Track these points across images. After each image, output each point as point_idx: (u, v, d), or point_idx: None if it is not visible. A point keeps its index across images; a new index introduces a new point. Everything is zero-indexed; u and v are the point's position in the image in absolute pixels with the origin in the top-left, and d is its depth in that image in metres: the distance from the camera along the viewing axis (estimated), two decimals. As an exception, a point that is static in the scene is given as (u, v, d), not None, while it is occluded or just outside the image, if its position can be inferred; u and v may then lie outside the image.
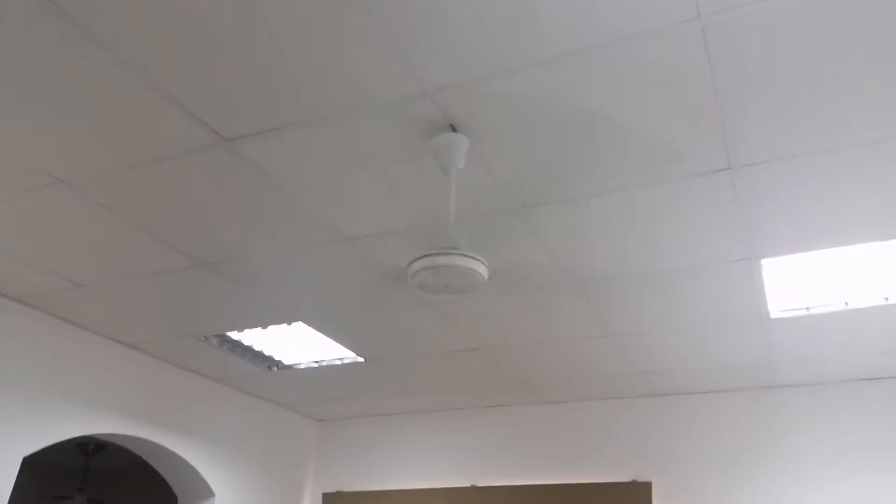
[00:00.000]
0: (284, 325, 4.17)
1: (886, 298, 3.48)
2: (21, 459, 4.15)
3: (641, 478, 4.80)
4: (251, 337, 4.39)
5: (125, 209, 2.96)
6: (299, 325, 4.16)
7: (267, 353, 4.62)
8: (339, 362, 4.70)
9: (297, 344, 4.46)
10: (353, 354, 4.53)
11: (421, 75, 2.15)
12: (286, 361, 4.73)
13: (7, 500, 3.75)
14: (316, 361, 4.72)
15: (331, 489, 5.82)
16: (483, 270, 2.15)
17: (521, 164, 2.55)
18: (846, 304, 3.56)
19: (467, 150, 2.35)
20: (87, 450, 6.23)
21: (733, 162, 2.51)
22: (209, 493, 4.99)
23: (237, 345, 4.50)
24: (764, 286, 3.38)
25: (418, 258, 2.13)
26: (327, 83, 2.21)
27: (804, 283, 3.40)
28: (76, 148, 2.59)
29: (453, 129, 2.34)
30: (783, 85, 2.16)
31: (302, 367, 4.79)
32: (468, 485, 5.31)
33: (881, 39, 1.99)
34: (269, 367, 4.83)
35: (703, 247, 3.05)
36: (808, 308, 3.62)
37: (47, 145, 2.58)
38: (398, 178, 2.66)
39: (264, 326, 4.20)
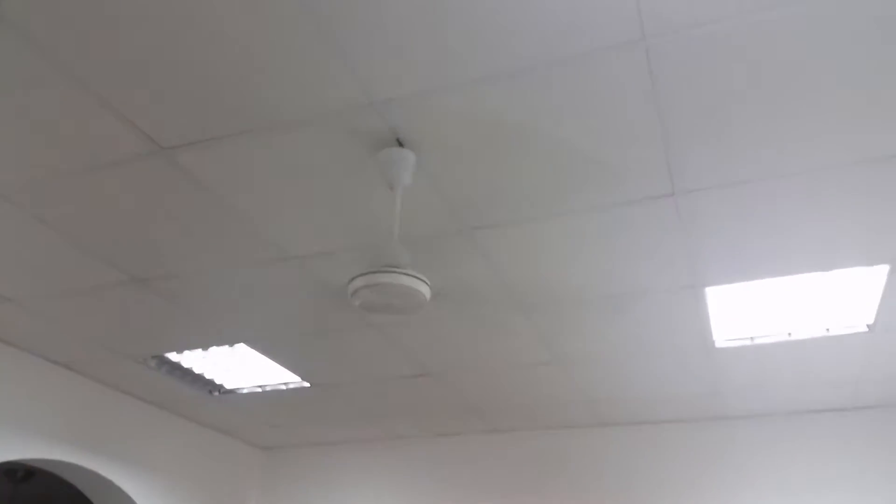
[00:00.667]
0: (226, 346, 4.04)
1: (828, 329, 3.52)
2: (-62, 485, 3.91)
3: (589, 509, 4.75)
4: (191, 359, 4.25)
5: (57, 220, 2.85)
6: (242, 348, 4.05)
7: (208, 377, 4.47)
8: (283, 387, 4.57)
9: (239, 367, 4.33)
10: (299, 379, 4.42)
11: (367, 86, 2.11)
12: (228, 385, 4.59)
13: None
14: (259, 386, 4.59)
15: (272, 520, 5.64)
16: (425, 290, 2.10)
17: (469, 183, 2.52)
18: (789, 334, 3.59)
19: (414, 165, 2.31)
20: (14, 477, 5.94)
21: (677, 188, 2.52)
22: (143, 523, 4.78)
23: (176, 367, 4.35)
24: (708, 314, 3.40)
25: (359, 275, 2.07)
26: (269, 92, 2.16)
27: (748, 312, 3.42)
28: (7, 155, 2.48)
29: (400, 143, 2.30)
30: (727, 111, 2.17)
31: (245, 391, 4.65)
32: (414, 516, 5.19)
33: (825, 68, 2.02)
34: (210, 392, 4.68)
35: (648, 272, 3.05)
36: (752, 338, 3.65)
37: (-26, 150, 2.47)
38: (344, 193, 2.60)
39: (205, 348, 4.07)
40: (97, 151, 2.45)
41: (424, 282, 2.09)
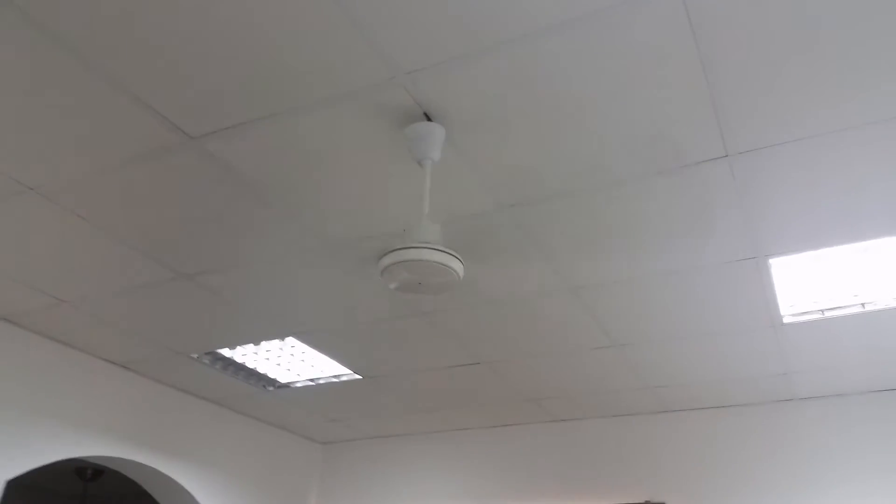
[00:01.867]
0: (276, 340, 4.02)
1: (906, 299, 3.27)
2: (5, 482, 4.01)
3: (655, 498, 4.57)
4: (243, 354, 4.25)
5: (98, 217, 2.85)
6: (292, 341, 4.02)
7: (261, 372, 4.47)
8: (336, 380, 4.54)
9: (291, 361, 4.32)
10: (350, 372, 4.37)
11: (388, 60, 2.02)
12: (282, 380, 4.58)
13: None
14: (312, 380, 4.57)
15: (334, 514, 5.63)
16: (458, 267, 1.99)
17: (504, 157, 2.40)
18: (863, 305, 3.35)
19: (443, 140, 2.21)
20: (84, 476, 6.10)
21: (730, 148, 2.35)
22: (206, 519, 4.82)
23: (229, 363, 4.36)
24: (774, 287, 3.19)
25: (388, 252, 1.98)
26: (291, 73, 2.08)
27: (817, 284, 3.20)
28: (43, 153, 2.48)
29: (427, 118, 2.20)
30: (775, 61, 2.00)
31: (298, 385, 4.64)
32: (475, 508, 5.10)
33: (890, 10, 1.83)
34: (265, 387, 4.68)
35: (706, 244, 2.87)
36: (822, 311, 3.42)
37: (12, 151, 2.47)
38: (375, 173, 2.52)
39: (255, 343, 4.06)
40: (128, 146, 2.42)
41: (457, 258, 1.98)
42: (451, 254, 1.97)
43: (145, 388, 4.55)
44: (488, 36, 1.94)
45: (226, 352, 4.21)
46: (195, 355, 4.23)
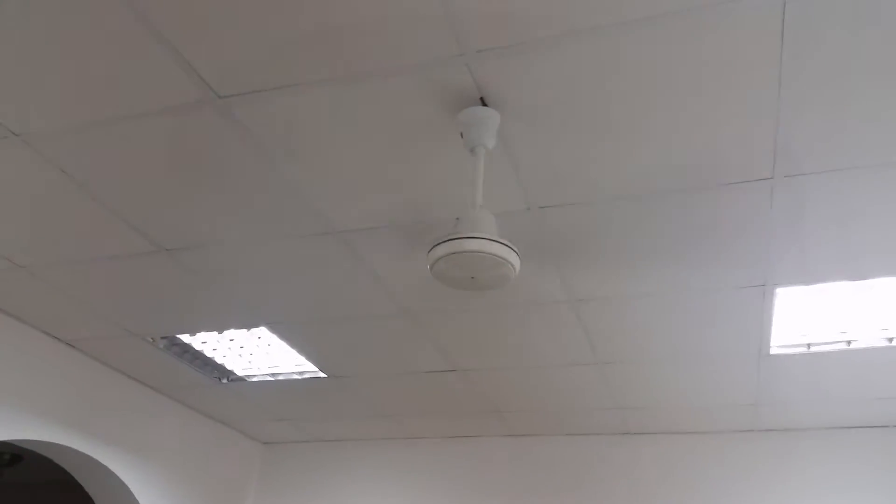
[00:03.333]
0: (244, 330, 3.78)
1: (891, 340, 3.33)
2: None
3: (610, 521, 4.52)
4: (203, 342, 3.99)
5: (83, 174, 2.58)
6: (260, 331, 3.79)
7: (218, 362, 4.20)
8: (297, 377, 4.31)
9: (253, 352, 4.07)
10: (316, 369, 4.16)
11: (462, 33, 1.88)
12: (238, 372, 4.32)
13: None
14: (272, 374, 4.33)
15: (271, 518, 5.36)
16: (516, 262, 1.87)
17: (549, 155, 2.29)
18: (848, 343, 3.39)
19: (498, 128, 2.08)
20: (1, 461, 5.61)
21: (777, 170, 2.31)
22: (138, 515, 4.49)
23: (187, 349, 4.08)
24: (772, 318, 3.19)
25: (441, 241, 1.83)
26: (355, 37, 1.92)
27: (811, 317, 3.22)
28: (39, 95, 2.22)
29: (483, 103, 2.07)
30: (856, 83, 1.96)
31: (255, 379, 4.39)
32: (423, 520, 4.94)
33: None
34: (220, 378, 4.41)
35: (724, 265, 2.83)
36: (808, 345, 3.45)
37: (4, 88, 2.20)
38: (411, 158, 2.36)
39: (220, 330, 3.81)
40: (143, 95, 2.19)
41: (515, 252, 1.85)
42: (510, 247, 1.84)
43: (89, 369, 4.20)
44: (570, 21, 1.83)
45: (185, 337, 3.93)
46: (151, 339, 3.93)
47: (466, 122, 2.04)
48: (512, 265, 1.85)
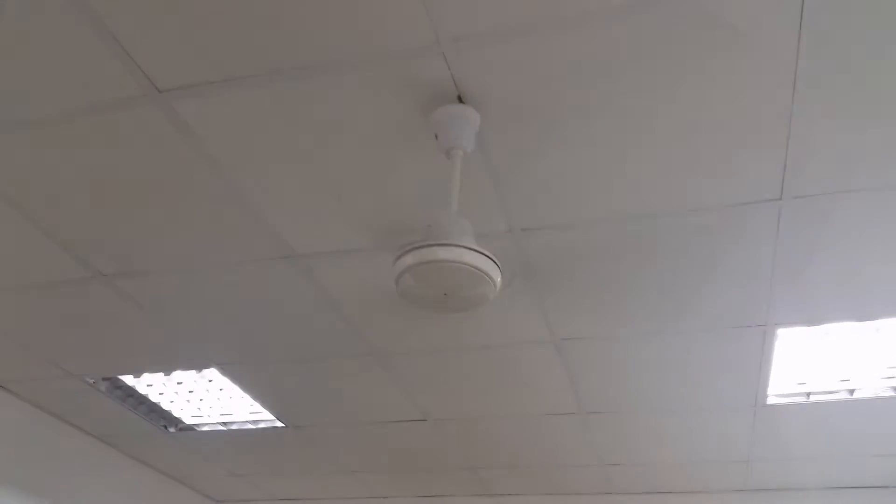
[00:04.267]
0: (193, 371, 3.44)
1: (896, 389, 3.08)
2: None
3: (592, 589, 4.15)
4: (148, 385, 3.62)
5: (5, 184, 2.28)
6: (211, 373, 3.44)
7: (165, 408, 3.82)
8: (252, 426, 3.94)
9: (203, 398, 3.71)
10: (273, 417, 3.80)
11: (437, 17, 1.64)
12: (187, 420, 3.94)
13: None
14: (224, 423, 3.95)
15: (221, 585, 4.88)
16: (497, 276, 1.59)
17: (538, 168, 2.04)
18: (851, 392, 3.13)
19: (478, 129, 1.83)
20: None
21: (787, 191, 2.07)
22: (69, 581, 4.02)
23: (130, 393, 3.70)
24: (771, 363, 2.92)
25: (409, 250, 1.56)
26: (316, 22, 1.67)
27: (812, 362, 2.97)
28: (-49, 84, 1.94)
29: (461, 100, 1.82)
30: (880, 87, 1.75)
31: (206, 428, 4.00)
32: (388, 588, 4.51)
33: None
34: (165, 427, 4.02)
35: (717, 304, 2.57)
36: (808, 394, 3.18)
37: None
38: (376, 166, 2.10)
39: (167, 372, 3.46)
40: (71, 89, 1.91)
41: (496, 265, 1.58)
42: (490, 258, 1.56)
43: (20, 412, 3.79)
44: (560, 6, 1.60)
45: (129, 379, 3.56)
46: (91, 380, 3.56)
47: (442, 121, 1.78)
48: (492, 280, 1.58)
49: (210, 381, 3.53)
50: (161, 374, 3.51)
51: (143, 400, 3.76)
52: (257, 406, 3.68)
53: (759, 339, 2.77)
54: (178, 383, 3.59)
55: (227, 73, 1.82)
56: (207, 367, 3.35)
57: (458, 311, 1.69)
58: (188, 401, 3.74)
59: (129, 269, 2.66)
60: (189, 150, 2.08)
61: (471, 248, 1.55)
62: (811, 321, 2.64)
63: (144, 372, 3.46)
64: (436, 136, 1.81)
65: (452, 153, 1.77)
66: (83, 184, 2.25)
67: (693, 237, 2.27)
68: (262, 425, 3.91)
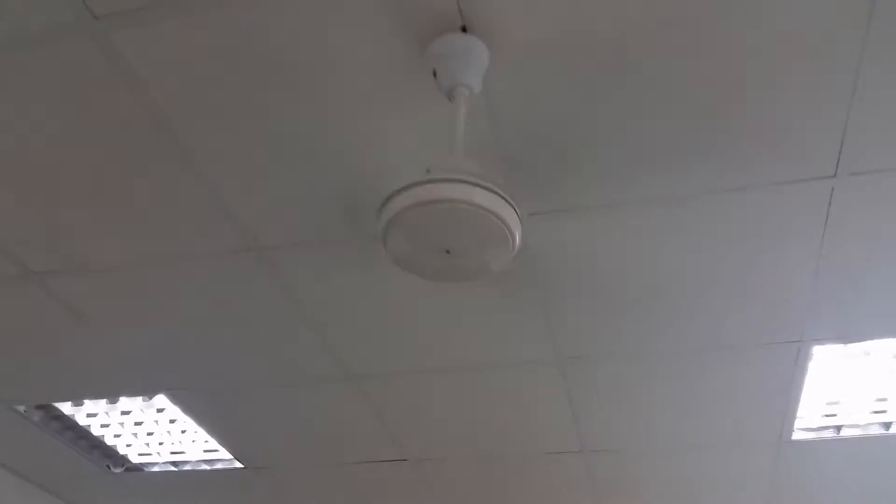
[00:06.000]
0: (140, 398, 3.00)
1: (937, 424, 2.74)
2: None
3: None
4: (89, 415, 3.17)
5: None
6: (161, 401, 3.00)
7: (109, 443, 3.35)
8: (207, 467, 3.47)
9: (153, 431, 3.25)
10: (230, 456, 3.34)
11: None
12: (134, 458, 3.46)
13: None
14: (175, 463, 3.48)
15: None
16: (515, 224, 1.23)
17: (549, 124, 1.70)
18: (887, 426, 2.78)
19: (486, 66, 1.50)
20: None
21: (844, 166, 1.76)
22: None
23: (69, 425, 3.23)
24: (803, 388, 2.57)
25: (400, 190, 1.20)
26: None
27: (845, 390, 2.62)
28: None
29: (464, 31, 1.49)
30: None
31: (155, 469, 3.52)
32: None
33: None
34: (109, 467, 3.53)
35: (749, 314, 2.23)
36: (838, 428, 2.83)
37: None
38: (358, 116, 1.75)
39: (111, 398, 3.01)
40: (-13, 14, 1.56)
41: (513, 208, 1.23)
42: (504, 197, 1.21)
43: (-62, 449, 3.30)
44: None
45: (67, 408, 3.11)
46: (23, 408, 3.09)
47: (442, 53, 1.45)
48: (509, 229, 1.22)
49: (160, 410, 3.08)
50: (104, 402, 3.06)
51: (83, 434, 3.29)
52: (212, 441, 3.23)
53: (792, 359, 2.42)
54: (124, 413, 3.14)
55: (179, -7, 1.48)
56: (156, 392, 2.92)
57: (463, 277, 1.33)
58: (135, 434, 3.28)
59: (60, 265, 2.26)
60: (128, 91, 1.71)
61: (484, 186, 1.20)
62: (849, 337, 2.31)
63: (85, 398, 3.01)
64: (434, 74, 1.48)
65: (455, 93, 1.43)
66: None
67: (728, 214, 1.94)
68: (217, 466, 3.45)
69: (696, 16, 1.45)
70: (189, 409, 3.01)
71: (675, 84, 1.58)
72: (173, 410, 3.05)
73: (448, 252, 1.27)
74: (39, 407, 3.11)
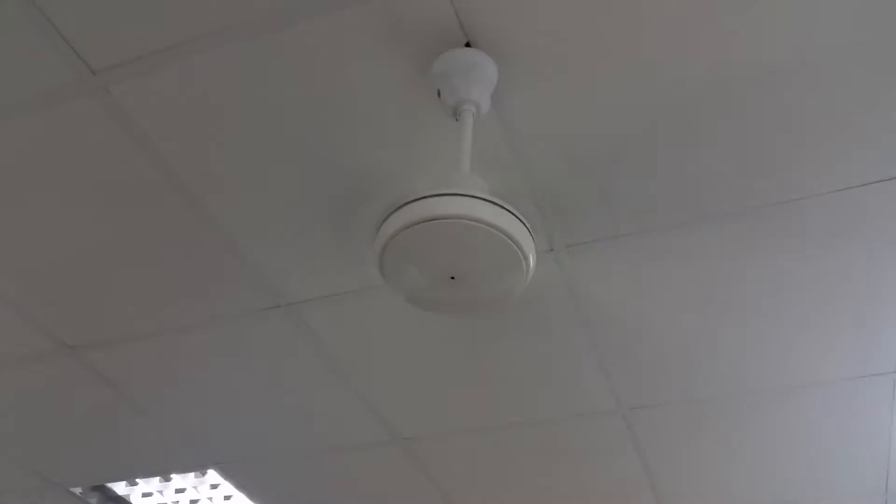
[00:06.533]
0: (191, 474, 2.90)
1: None
2: None
3: None
4: (145, 495, 3.09)
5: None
6: (213, 477, 2.90)
7: (166, 524, 3.26)
8: (268, 546, 3.32)
9: (209, 510, 3.15)
10: (290, 534, 3.19)
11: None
12: (193, 540, 3.35)
13: None
14: (235, 544, 3.35)
15: None
16: (529, 248, 1.09)
17: (574, 143, 1.57)
18: None
19: (495, 81, 1.38)
20: None
21: (917, 160, 1.55)
22: None
23: (124, 506, 3.17)
24: (905, 426, 2.27)
25: (399, 208, 1.08)
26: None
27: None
28: None
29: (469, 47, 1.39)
30: None
31: (215, 550, 3.40)
32: None
33: None
34: (170, 549, 3.43)
35: (834, 342, 1.99)
36: (955, 475, 2.47)
37: None
38: (358, 140, 1.65)
39: (164, 475, 2.93)
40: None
41: (527, 229, 1.08)
42: (516, 215, 1.07)
43: (0, 536, 3.28)
44: None
45: (121, 488, 3.04)
46: (79, 490, 3.05)
47: (443, 71, 1.34)
48: (522, 252, 1.07)
49: (213, 486, 2.98)
50: (157, 481, 2.99)
51: (140, 515, 3.22)
52: (271, 519, 3.09)
53: (887, 393, 2.14)
54: (178, 491, 3.06)
55: (165, 41, 1.44)
56: (206, 467, 2.83)
57: (479, 307, 1.18)
58: (191, 514, 3.18)
59: (95, 338, 2.21)
60: (128, 138, 1.67)
61: (488, 200, 1.06)
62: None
63: (137, 477, 2.94)
64: (438, 94, 1.37)
65: (461, 110, 1.31)
66: (21, 189, 1.85)
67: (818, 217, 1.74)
68: (278, 544, 3.30)
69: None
70: (241, 483, 2.90)
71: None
72: (227, 486, 2.94)
73: (452, 279, 1.13)
74: (95, 488, 3.05)
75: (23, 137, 1.64)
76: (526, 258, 1.10)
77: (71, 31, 1.43)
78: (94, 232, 1.86)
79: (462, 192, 1.06)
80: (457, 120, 1.34)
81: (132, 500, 3.12)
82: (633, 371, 2.13)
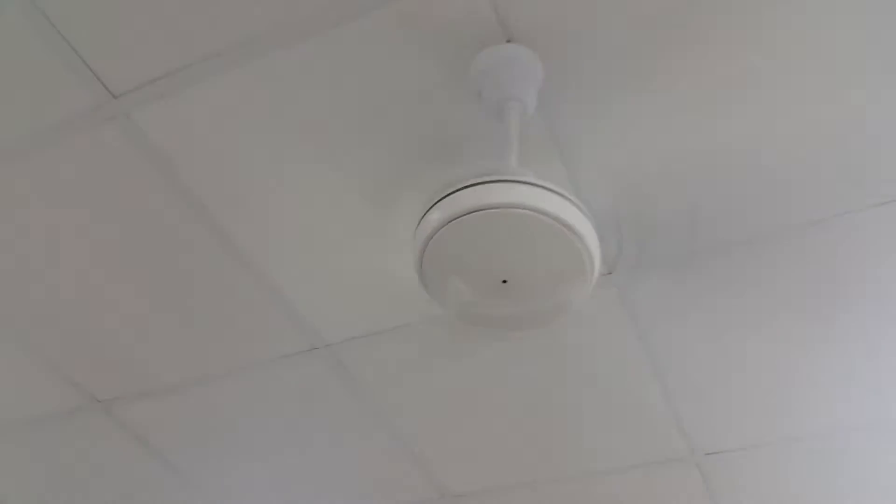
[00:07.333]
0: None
1: None
2: None
3: None
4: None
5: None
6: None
7: None
8: None
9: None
10: None
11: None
12: None
13: None
14: None
15: None
16: (595, 247, 0.93)
17: (629, 153, 1.42)
18: None
19: (540, 78, 1.25)
20: None
21: None
22: None
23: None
24: None
25: (440, 199, 0.94)
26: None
27: None
28: None
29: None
30: None
31: None
32: None
33: None
34: None
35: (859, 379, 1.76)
36: None
37: None
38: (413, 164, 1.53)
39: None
40: (18, 108, 1.48)
41: (588, 220, 0.93)
42: (577, 206, 0.92)
43: None
44: None
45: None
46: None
47: (483, 69, 1.22)
48: (587, 252, 0.91)
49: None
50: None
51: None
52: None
53: None
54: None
55: (186, 58, 1.35)
56: (245, 526, 2.65)
57: (524, 324, 1.00)
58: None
59: (123, 390, 2.09)
60: (154, 168, 1.57)
61: (548, 188, 0.91)
62: None
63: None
64: (479, 96, 1.24)
65: (506, 108, 1.18)
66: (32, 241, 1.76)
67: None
68: None
69: None
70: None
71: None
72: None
73: (505, 282, 0.97)
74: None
75: (42, 173, 1.56)
76: (591, 261, 0.94)
77: (88, 53, 1.35)
78: (122, 272, 1.76)
79: (519, 179, 0.92)
80: (500, 122, 1.21)
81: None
82: (705, 413, 1.92)
